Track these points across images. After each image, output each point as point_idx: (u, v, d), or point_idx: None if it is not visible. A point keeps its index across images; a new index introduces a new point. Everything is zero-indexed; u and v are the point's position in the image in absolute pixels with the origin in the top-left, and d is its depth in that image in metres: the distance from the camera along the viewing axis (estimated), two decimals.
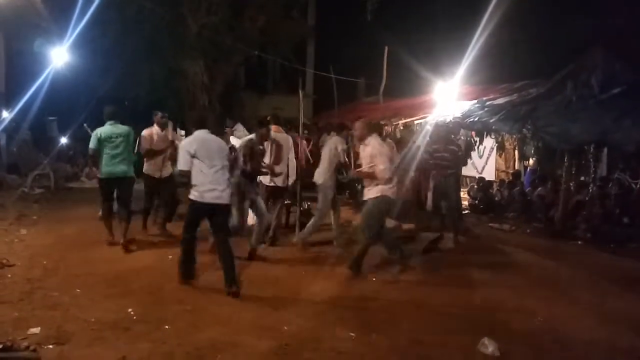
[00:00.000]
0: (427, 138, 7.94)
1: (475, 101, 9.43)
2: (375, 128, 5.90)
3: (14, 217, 7.93)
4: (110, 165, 6.09)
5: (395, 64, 13.10)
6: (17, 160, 11.09)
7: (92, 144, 6.07)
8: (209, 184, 4.77)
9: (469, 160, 10.70)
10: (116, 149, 6.08)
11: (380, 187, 5.29)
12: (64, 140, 14.71)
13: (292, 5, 15.59)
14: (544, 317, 4.45)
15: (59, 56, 12.05)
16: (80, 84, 14.35)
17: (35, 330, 3.82)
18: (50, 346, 3.60)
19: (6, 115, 11.57)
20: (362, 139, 5.48)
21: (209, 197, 4.78)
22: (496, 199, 9.92)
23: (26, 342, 3.61)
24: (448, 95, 10.32)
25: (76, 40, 11.38)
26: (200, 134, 4.98)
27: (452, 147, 7.32)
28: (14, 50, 13.45)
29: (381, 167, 5.21)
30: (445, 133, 7.72)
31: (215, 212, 4.88)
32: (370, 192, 5.38)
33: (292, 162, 6.77)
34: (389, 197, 5.34)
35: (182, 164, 4.86)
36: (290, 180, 6.76)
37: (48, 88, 11.91)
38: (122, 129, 6.19)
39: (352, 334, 3.98)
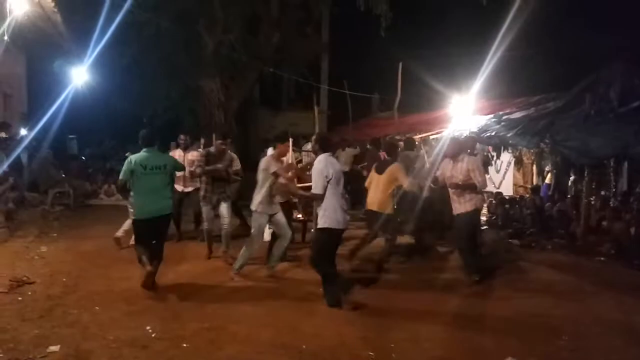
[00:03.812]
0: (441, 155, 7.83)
1: (492, 115, 9.36)
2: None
3: (34, 234, 8.03)
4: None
5: (410, 79, 13.09)
6: (36, 178, 11.27)
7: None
8: None
9: (486, 176, 10.60)
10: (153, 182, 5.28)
11: (474, 200, 5.66)
12: (83, 158, 14.95)
13: (306, 22, 15.76)
14: (568, 335, 4.33)
15: (79, 76, 12.31)
16: (99, 103, 14.62)
17: (55, 348, 3.83)
18: None
19: (27, 133, 11.80)
20: (455, 156, 5.87)
21: None
22: (514, 213, 9.77)
23: None
24: (464, 110, 10.27)
25: (95, 60, 11.59)
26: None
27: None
28: (36, 70, 13.79)
29: (479, 179, 5.65)
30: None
31: None
32: (464, 206, 5.67)
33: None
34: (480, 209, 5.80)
35: None
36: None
37: (68, 107, 12.12)
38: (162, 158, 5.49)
39: (371, 354, 3.91)
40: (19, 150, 10.20)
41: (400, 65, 12.87)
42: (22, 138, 11.24)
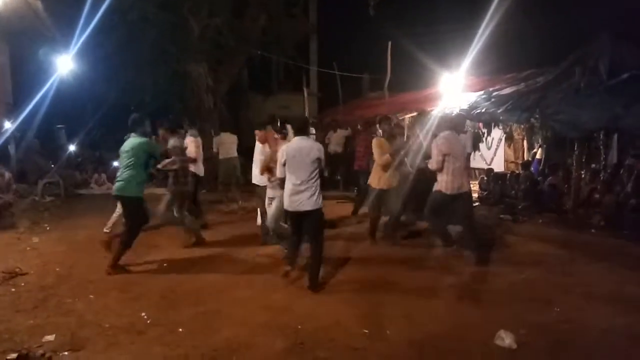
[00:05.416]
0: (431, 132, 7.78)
1: (482, 92, 9.35)
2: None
3: (25, 225, 7.99)
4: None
5: (399, 58, 13.02)
6: (25, 168, 11.15)
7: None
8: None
9: (477, 152, 10.63)
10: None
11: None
12: (72, 147, 14.81)
13: (293, 2, 15.54)
14: (560, 306, 4.39)
15: (64, 64, 12.10)
16: (86, 91, 14.39)
17: (50, 337, 3.84)
18: (66, 353, 3.61)
19: (13, 125, 11.64)
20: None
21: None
22: (505, 189, 9.82)
23: (41, 350, 3.63)
24: (454, 87, 10.25)
25: (81, 48, 11.40)
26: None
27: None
28: (20, 59, 13.54)
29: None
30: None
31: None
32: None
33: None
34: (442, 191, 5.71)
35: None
36: None
37: (54, 96, 11.95)
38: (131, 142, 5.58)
39: (365, 331, 3.95)
40: (2, 140, 10.09)
41: (390, 44, 12.78)
42: (7, 130, 11.10)
